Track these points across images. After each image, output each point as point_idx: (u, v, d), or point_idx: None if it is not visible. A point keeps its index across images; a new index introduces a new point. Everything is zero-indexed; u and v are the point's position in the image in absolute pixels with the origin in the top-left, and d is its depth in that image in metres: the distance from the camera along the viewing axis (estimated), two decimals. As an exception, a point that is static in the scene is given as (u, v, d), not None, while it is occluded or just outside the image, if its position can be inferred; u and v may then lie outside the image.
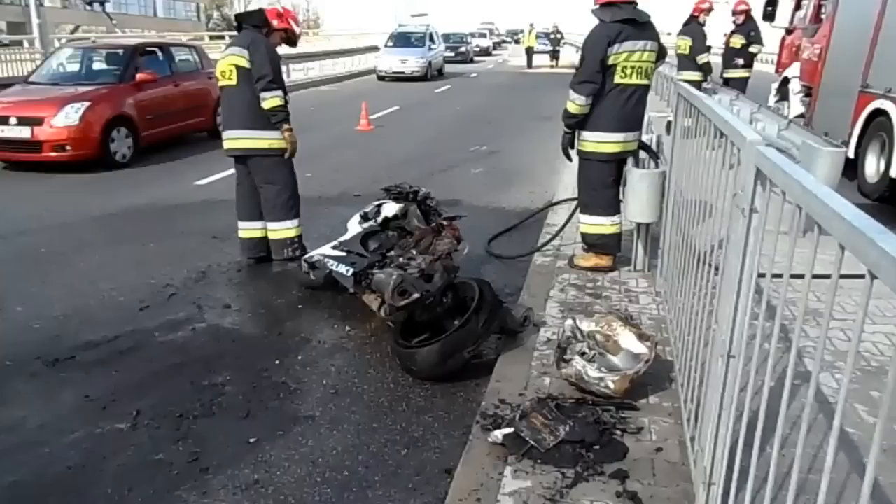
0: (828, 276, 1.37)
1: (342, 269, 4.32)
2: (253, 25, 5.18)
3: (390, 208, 4.73)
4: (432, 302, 3.92)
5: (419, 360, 3.60)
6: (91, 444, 3.12)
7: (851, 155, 7.51)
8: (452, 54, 32.55)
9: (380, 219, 4.71)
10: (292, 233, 5.38)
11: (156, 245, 5.97)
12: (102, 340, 4.16)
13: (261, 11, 5.28)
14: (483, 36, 47.33)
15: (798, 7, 11.31)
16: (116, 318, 4.49)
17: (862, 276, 1.20)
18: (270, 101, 4.95)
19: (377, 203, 4.89)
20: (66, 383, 3.66)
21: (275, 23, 5.21)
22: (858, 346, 1.31)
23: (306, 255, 4.77)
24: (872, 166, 7.35)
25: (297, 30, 5.27)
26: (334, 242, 4.67)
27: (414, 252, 4.28)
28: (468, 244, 4.71)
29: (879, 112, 7.20)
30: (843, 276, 1.36)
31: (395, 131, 12.85)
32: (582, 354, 3.26)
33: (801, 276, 1.56)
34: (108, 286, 5.02)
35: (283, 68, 5.22)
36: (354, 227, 4.78)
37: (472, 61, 36.32)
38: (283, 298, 4.85)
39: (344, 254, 4.45)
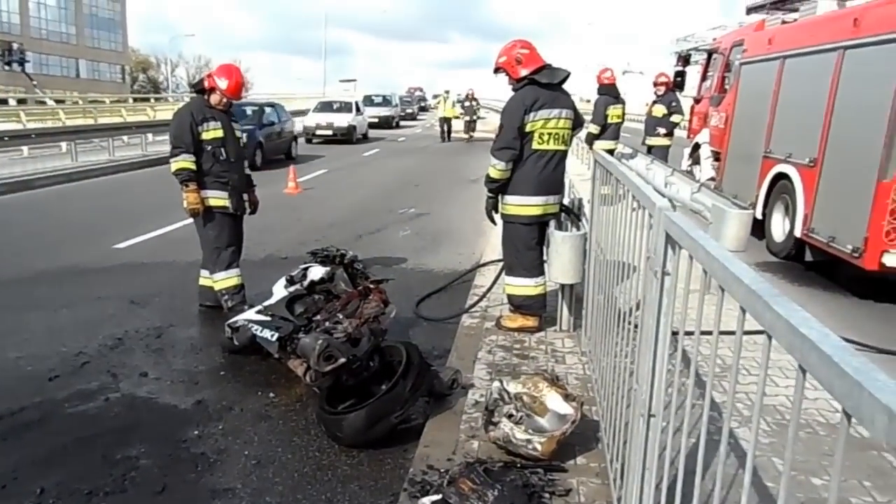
0: (734, 333, 1.44)
1: (267, 333, 4.24)
2: (196, 92, 5.68)
3: (317, 272, 4.71)
4: (359, 366, 3.88)
5: (345, 426, 3.52)
6: (-13, 529, 2.89)
7: (759, 216, 7.95)
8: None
9: (306, 282, 4.67)
10: (219, 285, 5.59)
11: (69, 311, 5.70)
12: (6, 413, 3.90)
13: (202, 79, 5.66)
14: (337, 109, 25.85)
15: (704, 78, 12.07)
16: (23, 388, 4.23)
17: (762, 332, 1.26)
18: (171, 166, 5.43)
19: (303, 267, 4.86)
20: (-38, 463, 3.40)
21: (206, 83, 5.53)
22: (763, 401, 1.37)
23: (230, 320, 4.65)
24: (778, 227, 7.80)
25: (220, 85, 5.44)
26: (259, 307, 4.59)
27: (340, 316, 4.24)
28: (396, 306, 4.71)
29: (782, 176, 7.68)
30: (748, 333, 1.43)
31: (324, 194, 12.85)
32: (509, 416, 3.26)
33: (710, 333, 1.63)
34: (14, 354, 4.74)
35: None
36: (280, 291, 4.72)
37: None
38: (205, 365, 4.69)
39: (269, 318, 4.37)
